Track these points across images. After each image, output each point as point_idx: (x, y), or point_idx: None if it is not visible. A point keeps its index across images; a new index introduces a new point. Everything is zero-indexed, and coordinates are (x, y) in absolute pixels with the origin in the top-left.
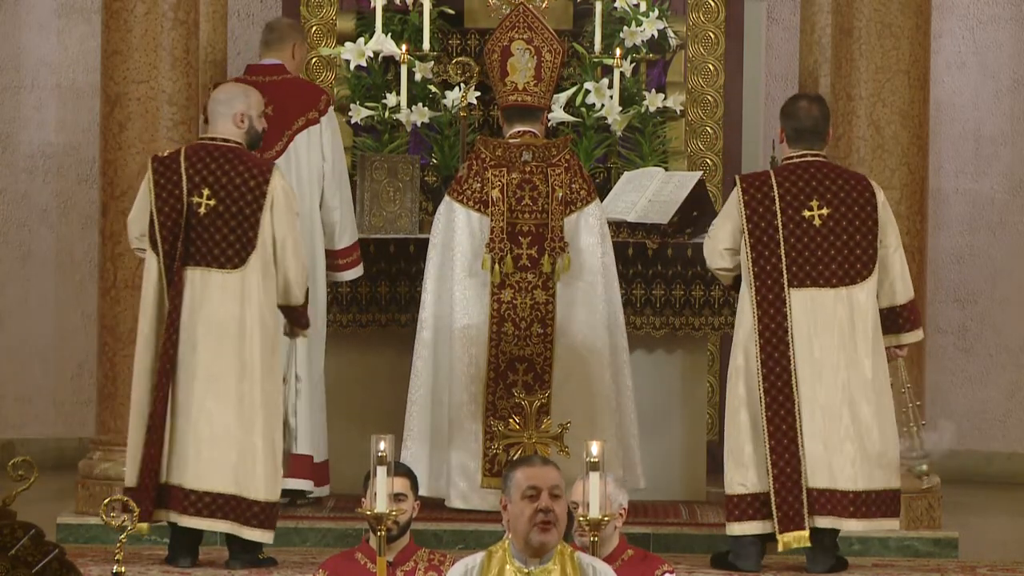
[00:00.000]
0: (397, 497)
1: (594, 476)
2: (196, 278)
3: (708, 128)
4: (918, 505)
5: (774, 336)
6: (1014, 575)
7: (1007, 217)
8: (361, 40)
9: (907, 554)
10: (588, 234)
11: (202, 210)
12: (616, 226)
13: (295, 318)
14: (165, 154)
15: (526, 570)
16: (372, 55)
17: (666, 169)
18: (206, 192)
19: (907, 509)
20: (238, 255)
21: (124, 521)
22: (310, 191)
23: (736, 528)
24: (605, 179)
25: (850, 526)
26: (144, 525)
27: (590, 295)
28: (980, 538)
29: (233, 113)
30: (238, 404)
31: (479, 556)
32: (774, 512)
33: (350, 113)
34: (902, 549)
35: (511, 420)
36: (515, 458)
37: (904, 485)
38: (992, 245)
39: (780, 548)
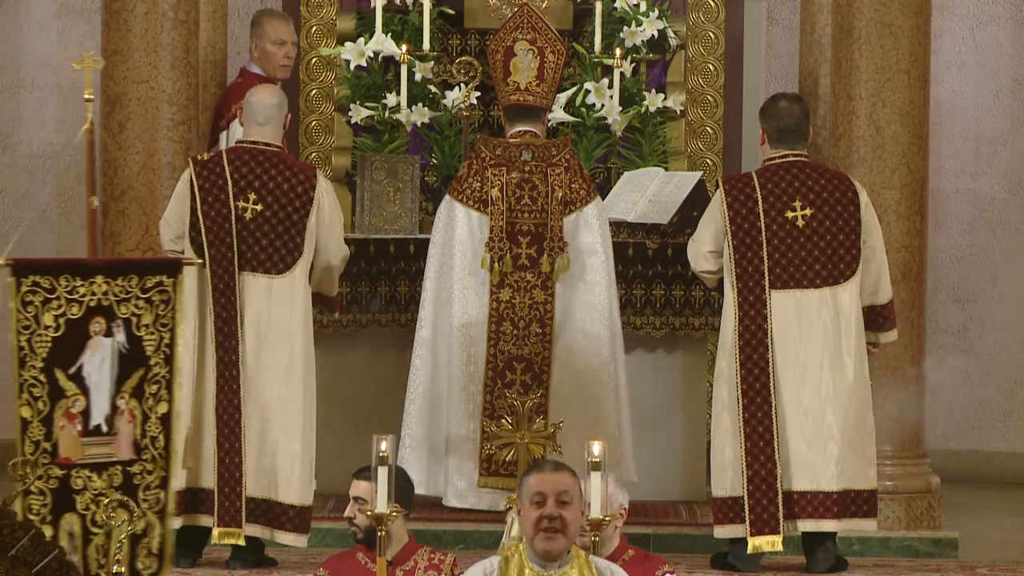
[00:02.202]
0: (357, 500)
1: (595, 476)
2: (241, 282)
3: (708, 128)
4: (918, 505)
5: (754, 338)
6: (1014, 575)
7: (1007, 217)
8: (361, 40)
9: (907, 554)
10: (588, 234)
11: (248, 215)
12: (616, 226)
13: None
14: (205, 157)
15: (545, 574)
16: (372, 55)
17: (666, 169)
18: (252, 196)
19: (907, 509)
20: (283, 260)
21: (124, 520)
22: None
23: (719, 531)
24: (605, 179)
25: (828, 526)
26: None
27: (589, 295)
28: (980, 538)
29: (285, 115)
30: (278, 409)
31: (495, 560)
32: (747, 514)
33: (350, 113)
34: (902, 549)
35: (503, 420)
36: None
37: (903, 484)
38: (992, 245)
39: (749, 550)
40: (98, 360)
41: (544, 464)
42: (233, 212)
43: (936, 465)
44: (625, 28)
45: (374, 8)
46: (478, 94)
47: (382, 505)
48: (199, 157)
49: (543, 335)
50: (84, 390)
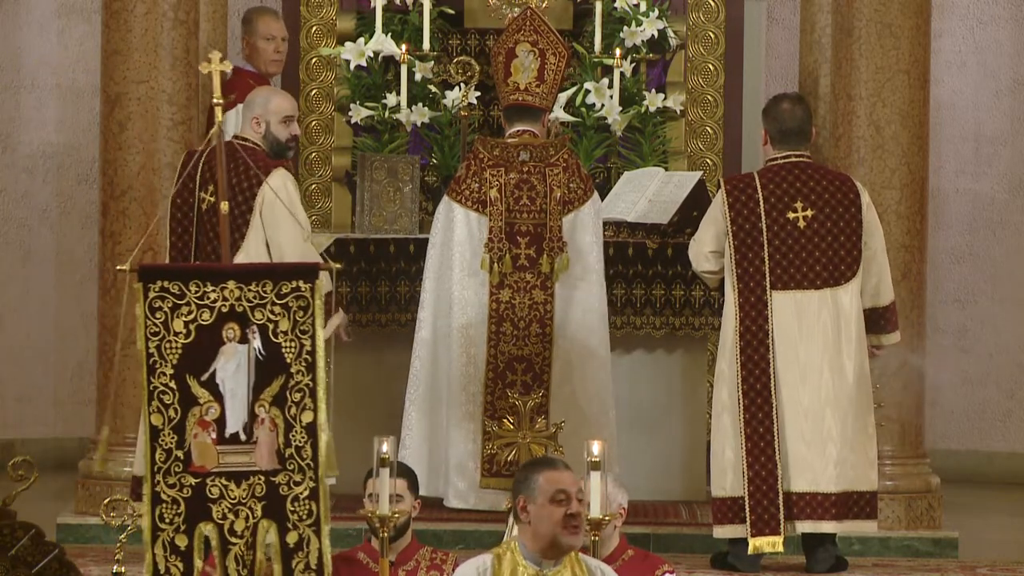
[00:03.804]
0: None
1: (595, 476)
2: None
3: (708, 128)
4: (918, 505)
5: (755, 339)
6: (1014, 575)
7: (1007, 217)
8: (361, 40)
9: (907, 554)
10: (585, 233)
11: (204, 206)
12: (616, 226)
13: None
14: (198, 149)
15: (541, 572)
16: (372, 55)
17: (666, 169)
18: (210, 189)
19: (907, 509)
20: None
21: (124, 520)
22: None
23: (718, 531)
24: (605, 179)
25: (826, 528)
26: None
27: (587, 294)
28: (980, 538)
29: (250, 117)
30: None
31: (487, 558)
32: (747, 515)
33: (350, 113)
34: (902, 549)
35: (504, 420)
36: (530, 459)
37: (903, 484)
38: (992, 245)
39: (750, 551)
40: (233, 367)
41: (553, 461)
42: (196, 204)
43: (936, 465)
44: (625, 28)
45: (374, 8)
46: (478, 94)
47: (384, 506)
48: (192, 149)
49: (543, 335)
50: (218, 397)
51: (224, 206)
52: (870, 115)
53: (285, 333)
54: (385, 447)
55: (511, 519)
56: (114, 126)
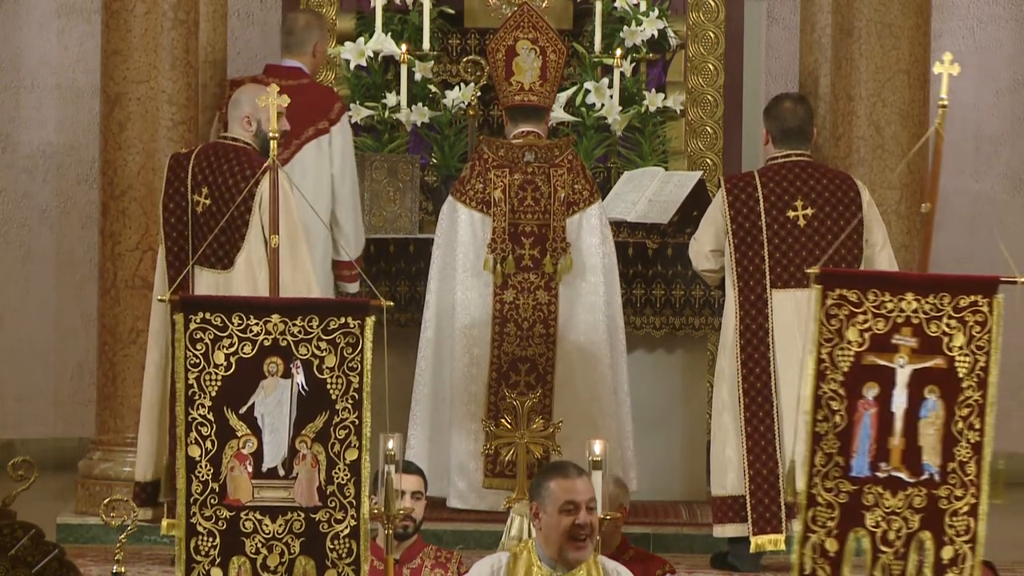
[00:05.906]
0: (414, 495)
1: (596, 475)
2: (194, 277)
3: (708, 128)
4: None
5: (755, 337)
6: (1014, 575)
7: (1007, 217)
8: (361, 40)
9: None
10: (590, 234)
11: (200, 209)
12: (616, 226)
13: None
14: (183, 151)
15: (555, 574)
16: (372, 55)
17: (666, 169)
18: (204, 191)
19: None
20: (228, 255)
21: (124, 520)
22: (319, 202)
23: (719, 530)
24: (605, 179)
25: None
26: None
27: (592, 296)
28: None
29: (240, 116)
30: None
31: (503, 557)
32: (749, 513)
33: (350, 113)
34: None
35: (502, 420)
36: (549, 464)
37: None
38: (992, 245)
39: (752, 549)
40: (274, 401)
41: (565, 469)
42: (190, 206)
43: None
44: (625, 28)
45: (374, 8)
46: (478, 94)
47: (390, 503)
48: (177, 152)
49: (547, 336)
50: (256, 431)
51: (275, 239)
52: (870, 115)
53: (331, 369)
54: (391, 444)
55: (511, 518)
56: (114, 126)
